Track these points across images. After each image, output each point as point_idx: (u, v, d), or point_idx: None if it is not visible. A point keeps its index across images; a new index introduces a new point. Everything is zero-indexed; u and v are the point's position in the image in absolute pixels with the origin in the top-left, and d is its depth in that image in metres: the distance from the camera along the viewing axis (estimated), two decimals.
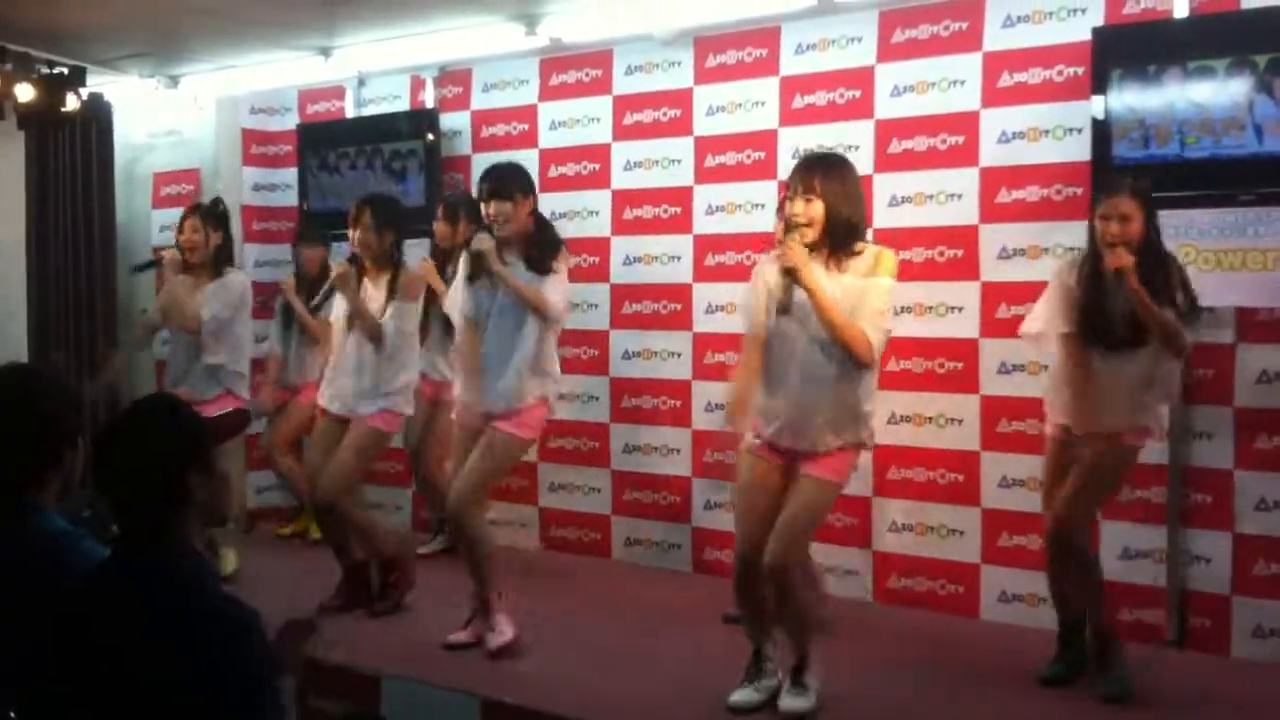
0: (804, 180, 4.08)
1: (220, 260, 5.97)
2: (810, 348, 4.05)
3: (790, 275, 4.01)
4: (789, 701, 4.21)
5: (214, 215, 6.01)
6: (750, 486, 4.20)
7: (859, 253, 4.07)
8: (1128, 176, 4.47)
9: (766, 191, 5.91)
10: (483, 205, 4.91)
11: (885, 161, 5.65)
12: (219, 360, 5.86)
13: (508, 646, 4.89)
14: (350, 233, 5.40)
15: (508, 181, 4.89)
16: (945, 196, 5.52)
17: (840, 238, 4.06)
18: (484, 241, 4.86)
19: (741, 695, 4.30)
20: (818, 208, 4.04)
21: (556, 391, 5.03)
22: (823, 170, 4.11)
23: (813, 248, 4.06)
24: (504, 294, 4.85)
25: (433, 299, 5.85)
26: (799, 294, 4.03)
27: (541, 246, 4.89)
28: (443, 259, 6.11)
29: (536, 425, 5.00)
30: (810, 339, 4.04)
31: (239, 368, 5.95)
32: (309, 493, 5.61)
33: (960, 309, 5.48)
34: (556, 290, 4.85)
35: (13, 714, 2.49)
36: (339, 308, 5.47)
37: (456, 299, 5.04)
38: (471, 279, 4.95)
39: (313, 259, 6.82)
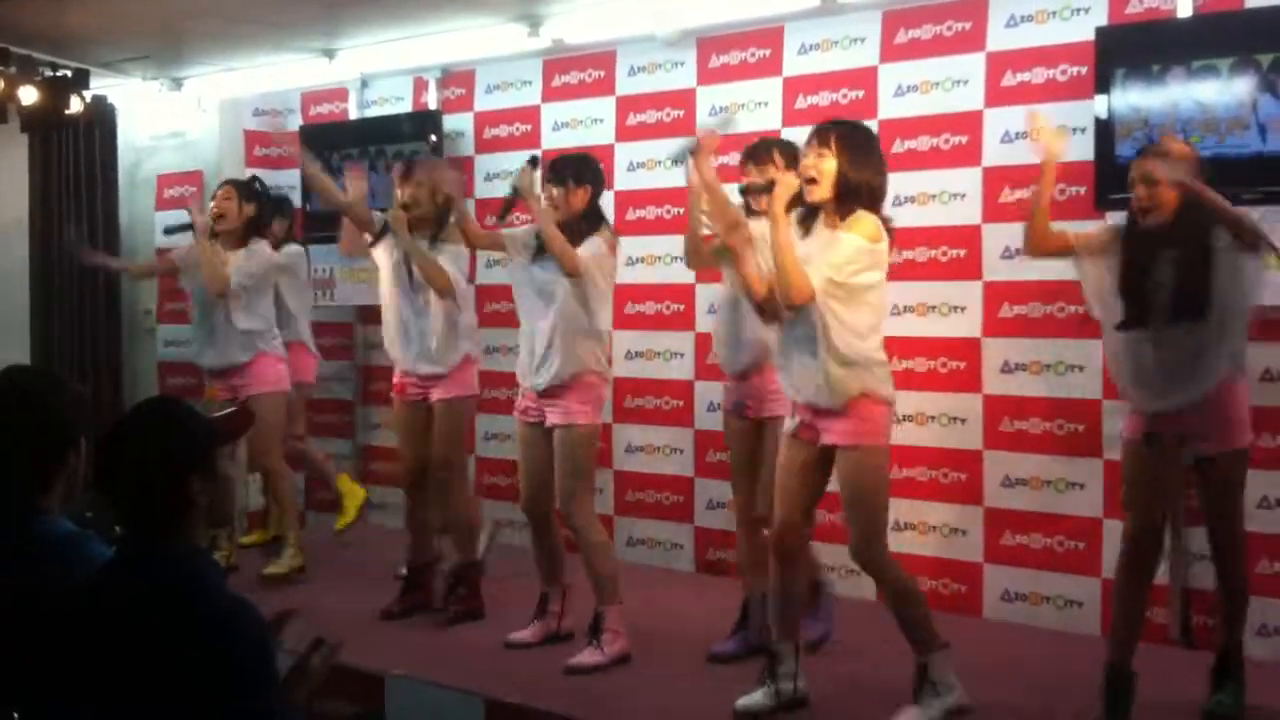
0: (819, 135, 4.09)
1: (249, 232, 6.09)
2: None
3: (762, 193, 4.11)
4: (909, 714, 4.07)
5: (248, 188, 6.17)
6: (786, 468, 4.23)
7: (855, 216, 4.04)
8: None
9: None
10: None
11: (888, 161, 5.60)
12: (251, 325, 6.03)
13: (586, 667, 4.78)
14: (398, 192, 5.39)
15: (561, 166, 4.97)
16: (948, 196, 5.52)
17: (848, 199, 4.03)
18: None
19: (748, 700, 4.26)
20: (829, 164, 4.03)
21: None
22: (839, 130, 4.11)
23: (820, 205, 4.06)
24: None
25: None
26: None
27: (569, 234, 4.84)
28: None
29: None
30: None
31: (273, 332, 6.16)
32: (411, 477, 5.60)
33: (963, 309, 5.48)
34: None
35: (16, 715, 2.49)
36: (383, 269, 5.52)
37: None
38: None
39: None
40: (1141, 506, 4.16)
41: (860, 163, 4.05)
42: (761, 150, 4.66)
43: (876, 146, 4.22)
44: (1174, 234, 4.00)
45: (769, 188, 4.10)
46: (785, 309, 4.07)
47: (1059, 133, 4.21)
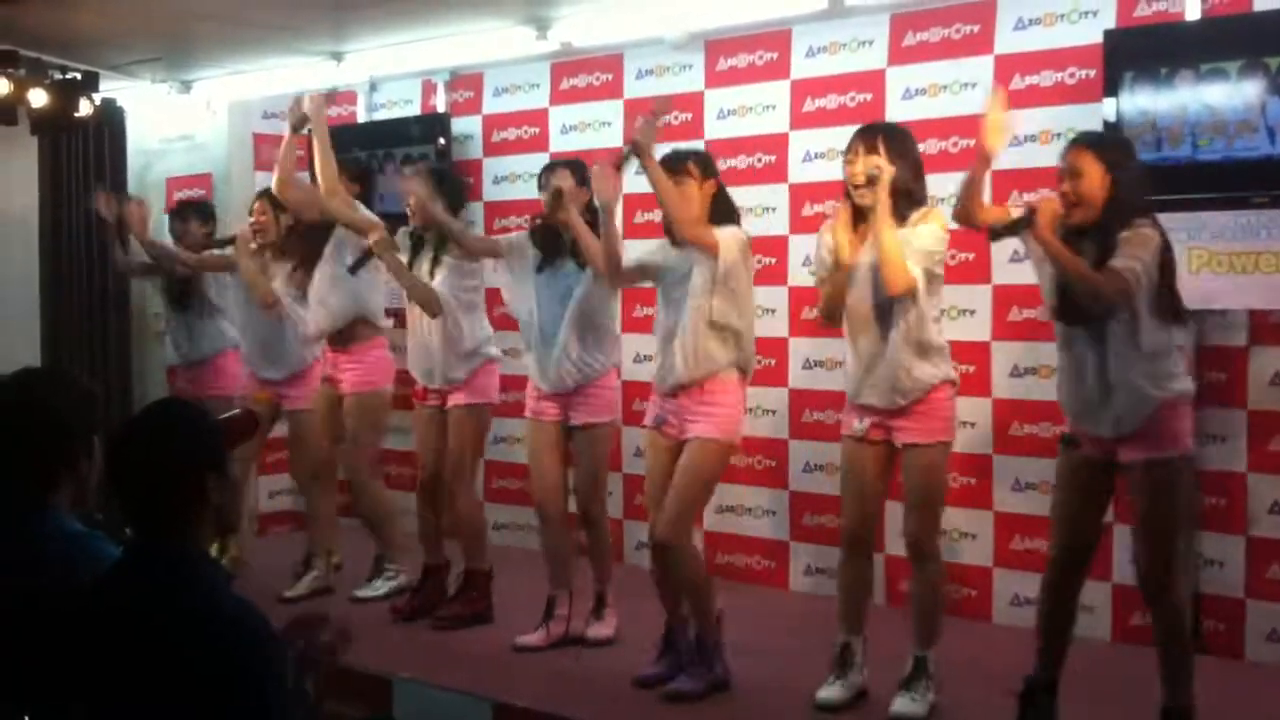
0: (865, 140, 4.19)
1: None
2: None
3: (869, 186, 4.11)
4: (901, 705, 4.21)
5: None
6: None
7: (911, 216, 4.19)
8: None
9: (778, 195, 5.90)
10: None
11: None
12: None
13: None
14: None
15: (559, 171, 5.10)
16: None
17: (897, 199, 4.14)
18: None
19: (828, 692, 4.32)
20: (884, 162, 4.14)
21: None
22: (886, 132, 4.26)
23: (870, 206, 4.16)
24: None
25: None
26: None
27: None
28: None
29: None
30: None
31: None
32: (426, 479, 5.60)
33: (972, 312, 5.47)
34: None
35: (27, 718, 2.49)
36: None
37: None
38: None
39: None
40: (1062, 521, 4.06)
41: (903, 161, 4.17)
42: (675, 160, 4.59)
43: (914, 145, 4.33)
44: (1097, 230, 3.76)
45: (877, 178, 4.12)
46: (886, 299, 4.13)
47: (1002, 129, 3.98)
